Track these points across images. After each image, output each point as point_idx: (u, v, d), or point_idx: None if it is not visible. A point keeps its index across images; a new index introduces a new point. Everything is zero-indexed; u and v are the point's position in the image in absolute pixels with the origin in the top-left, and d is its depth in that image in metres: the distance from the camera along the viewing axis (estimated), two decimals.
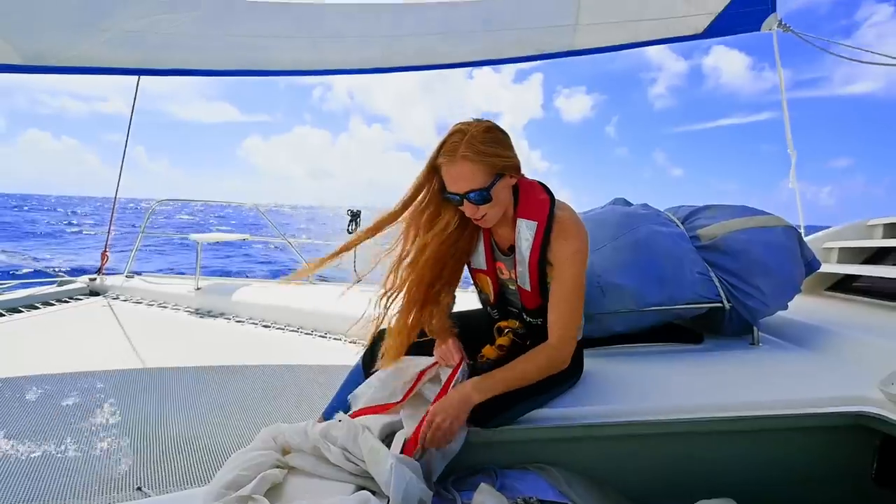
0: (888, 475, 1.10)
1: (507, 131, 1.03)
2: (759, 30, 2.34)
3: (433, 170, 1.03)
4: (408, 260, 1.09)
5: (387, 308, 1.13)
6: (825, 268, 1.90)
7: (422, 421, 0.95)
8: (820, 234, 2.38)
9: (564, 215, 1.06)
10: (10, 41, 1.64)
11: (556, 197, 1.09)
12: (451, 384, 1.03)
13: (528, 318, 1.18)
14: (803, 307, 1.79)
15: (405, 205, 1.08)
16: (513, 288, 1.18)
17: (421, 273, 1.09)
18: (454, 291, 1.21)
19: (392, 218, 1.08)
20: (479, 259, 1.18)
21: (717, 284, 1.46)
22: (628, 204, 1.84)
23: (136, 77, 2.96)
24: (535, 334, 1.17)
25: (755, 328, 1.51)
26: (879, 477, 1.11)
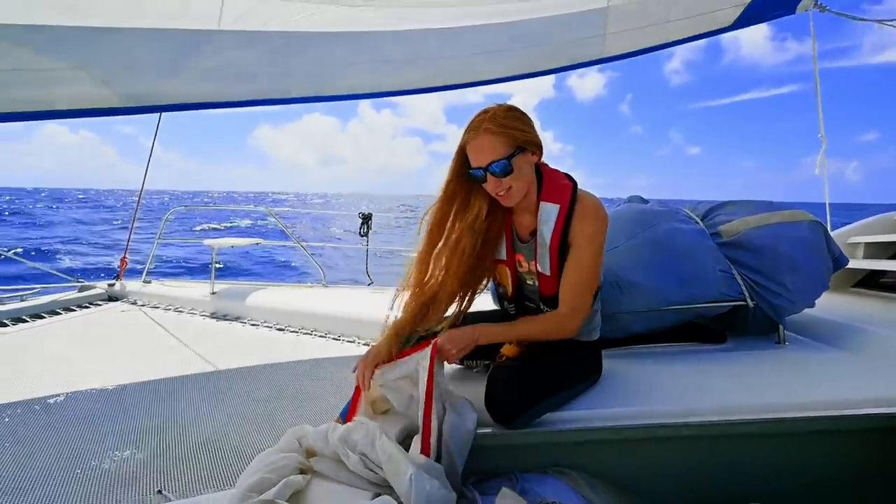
0: None
1: None
2: (794, 13, 2.27)
3: (461, 153, 1.06)
4: (449, 247, 1.11)
5: (420, 301, 1.13)
6: (852, 263, 1.84)
7: (427, 424, 0.92)
8: (845, 228, 2.31)
9: (586, 199, 1.08)
10: (112, 87, 1.77)
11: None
12: (432, 378, 0.98)
13: (545, 309, 1.16)
14: (830, 304, 1.73)
15: (446, 194, 1.10)
16: (530, 283, 1.17)
17: (459, 259, 1.10)
18: (487, 282, 1.22)
19: (443, 211, 1.11)
20: (501, 249, 1.18)
21: (741, 282, 1.42)
22: (644, 202, 1.81)
23: (158, 114, 3.08)
24: None
25: (781, 327, 1.47)
26: None
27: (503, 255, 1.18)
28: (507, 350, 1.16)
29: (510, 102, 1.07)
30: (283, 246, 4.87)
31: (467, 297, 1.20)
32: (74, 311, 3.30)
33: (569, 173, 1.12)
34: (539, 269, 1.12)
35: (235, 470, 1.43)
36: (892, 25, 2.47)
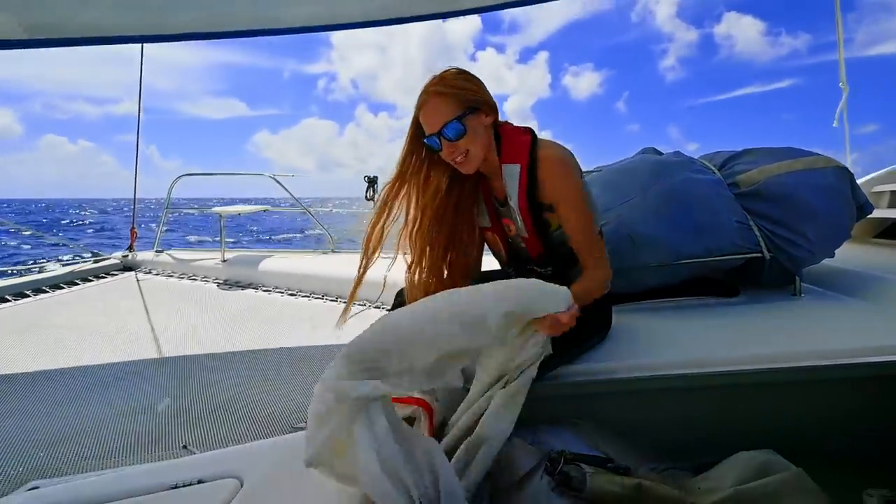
0: None
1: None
2: None
3: (416, 124, 1.02)
4: (416, 227, 1.08)
5: (412, 282, 1.13)
6: (874, 213, 1.77)
7: (431, 427, 0.90)
8: (868, 177, 2.21)
9: (547, 150, 1.02)
10: (12, 13, 1.58)
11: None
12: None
13: (539, 270, 1.15)
14: (849, 255, 1.68)
15: (401, 170, 1.06)
16: (522, 245, 1.15)
17: (430, 237, 1.08)
18: (475, 251, 1.18)
19: (392, 186, 1.07)
20: (484, 217, 1.16)
21: (758, 233, 1.38)
22: (659, 153, 1.73)
23: (140, 45, 2.88)
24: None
25: (797, 278, 1.43)
26: None
27: (487, 222, 1.15)
28: None
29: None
30: (290, 212, 4.86)
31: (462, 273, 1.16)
32: (92, 280, 3.38)
33: (529, 127, 1.05)
34: (520, 233, 1.09)
35: (253, 428, 1.48)
36: None
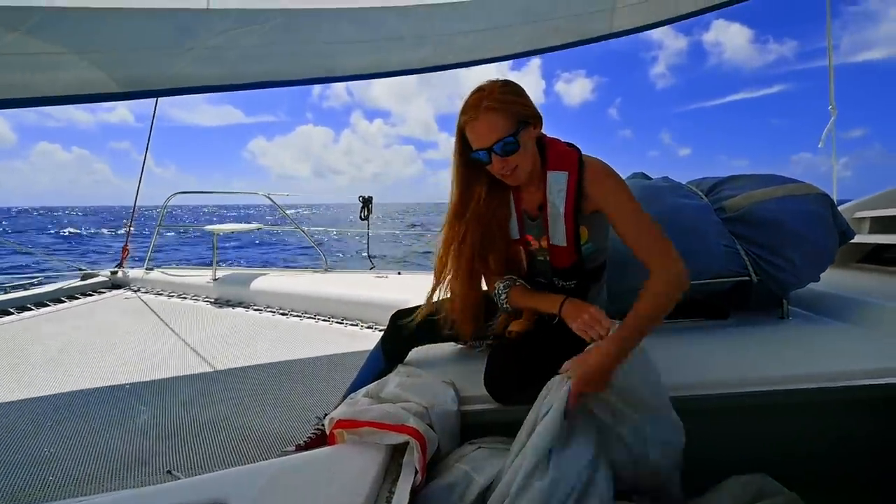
0: None
1: None
2: None
3: (461, 136, 1.01)
4: (460, 239, 1.09)
5: (441, 290, 1.14)
6: (856, 238, 1.82)
7: (423, 458, 0.89)
8: (850, 203, 2.28)
9: (593, 161, 1.04)
10: (107, 70, 1.71)
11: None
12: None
13: (560, 283, 1.14)
14: (833, 279, 1.72)
15: (463, 187, 1.07)
16: (541, 259, 1.15)
17: (471, 246, 1.09)
18: (507, 261, 1.19)
19: (462, 206, 1.08)
20: (513, 229, 1.15)
21: (745, 257, 1.41)
22: (647, 178, 1.78)
23: (154, 99, 2.99)
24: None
25: (784, 301, 1.46)
26: None
27: (516, 234, 1.15)
28: (515, 325, 1.16)
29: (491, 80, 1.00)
30: (283, 231, 4.85)
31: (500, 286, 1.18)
32: (79, 298, 3.32)
33: (570, 142, 1.08)
34: (551, 242, 1.09)
35: (241, 451, 1.45)
36: None
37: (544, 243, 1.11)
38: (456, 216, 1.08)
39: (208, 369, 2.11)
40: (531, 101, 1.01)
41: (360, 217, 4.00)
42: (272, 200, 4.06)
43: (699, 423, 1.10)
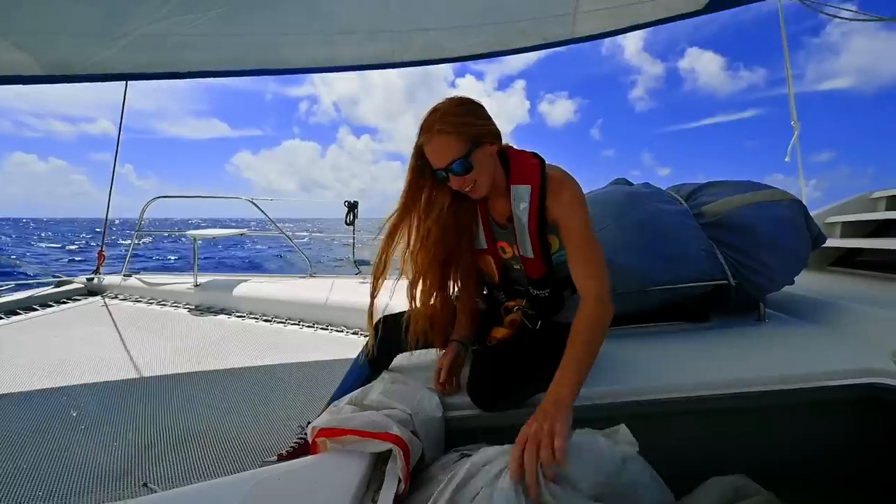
0: None
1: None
2: (763, 0, 2.29)
3: (419, 153, 1.03)
4: (419, 246, 1.09)
5: (413, 298, 1.15)
6: (829, 242, 1.88)
7: (407, 467, 0.86)
8: (822, 209, 2.36)
9: (555, 173, 1.06)
10: (30, 52, 1.64)
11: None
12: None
13: (535, 292, 1.16)
14: (808, 283, 1.77)
15: (405, 202, 1.08)
16: (517, 267, 1.17)
17: (431, 255, 1.09)
18: (474, 272, 1.21)
19: (399, 217, 1.09)
20: (480, 239, 1.17)
21: (723, 261, 1.44)
22: (630, 184, 1.81)
23: (124, 83, 2.91)
24: (542, 308, 1.17)
25: (761, 304, 1.50)
26: (894, 448, 1.10)
27: (483, 244, 1.17)
28: (496, 332, 1.16)
29: (466, 96, 1.03)
30: (268, 237, 4.78)
31: (461, 296, 1.20)
32: (52, 306, 3.21)
33: (535, 152, 1.10)
34: (521, 252, 1.11)
35: (221, 462, 1.41)
36: (861, 19, 2.51)
37: (517, 251, 1.13)
38: (397, 227, 1.09)
39: (187, 378, 2.05)
40: (487, 119, 1.02)
41: (346, 222, 3.98)
42: (256, 205, 4.00)
43: (682, 425, 1.12)
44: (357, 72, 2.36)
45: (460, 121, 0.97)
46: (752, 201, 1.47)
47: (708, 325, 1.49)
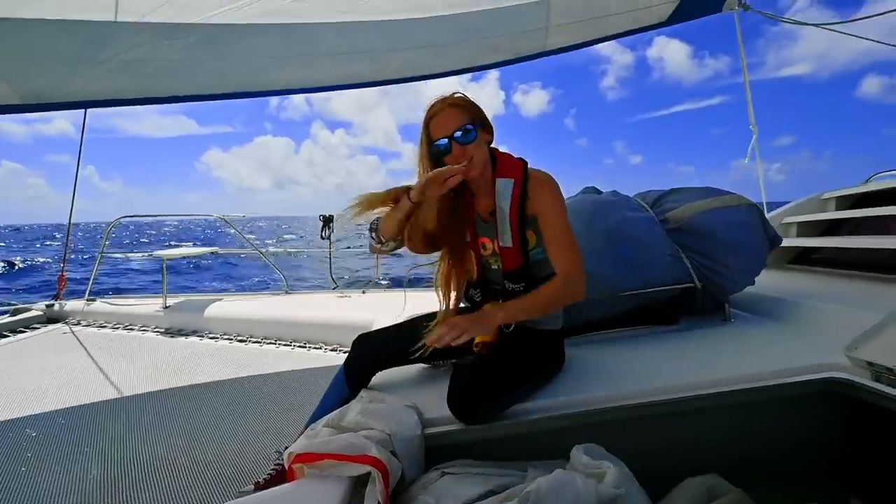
0: (857, 438, 1.15)
1: None
2: (720, 11, 2.44)
3: (427, 136, 1.12)
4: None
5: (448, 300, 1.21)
6: (786, 242, 1.98)
7: (386, 490, 0.87)
8: (779, 210, 2.48)
9: (537, 172, 1.17)
10: (8, 81, 1.60)
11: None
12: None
13: (510, 286, 1.19)
14: (769, 281, 1.86)
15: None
16: (495, 267, 1.21)
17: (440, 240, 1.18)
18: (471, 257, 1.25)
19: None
20: (466, 233, 1.22)
21: (689, 265, 1.50)
22: (598, 192, 1.87)
23: (83, 111, 2.83)
24: None
25: (726, 305, 1.56)
26: (849, 440, 1.16)
27: (466, 238, 1.22)
28: (481, 338, 1.17)
29: None
30: (241, 254, 4.66)
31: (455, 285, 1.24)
32: (7, 336, 3.03)
33: (520, 157, 1.20)
34: (500, 243, 1.17)
35: (195, 492, 1.36)
36: (811, 25, 2.69)
37: (496, 245, 1.18)
38: (429, 230, 1.16)
39: (156, 405, 1.97)
40: (486, 115, 1.17)
41: (321, 236, 3.92)
42: (227, 222, 3.91)
43: (656, 428, 1.15)
44: (339, 90, 2.41)
45: (469, 102, 1.13)
46: (712, 207, 1.54)
47: (676, 328, 1.55)
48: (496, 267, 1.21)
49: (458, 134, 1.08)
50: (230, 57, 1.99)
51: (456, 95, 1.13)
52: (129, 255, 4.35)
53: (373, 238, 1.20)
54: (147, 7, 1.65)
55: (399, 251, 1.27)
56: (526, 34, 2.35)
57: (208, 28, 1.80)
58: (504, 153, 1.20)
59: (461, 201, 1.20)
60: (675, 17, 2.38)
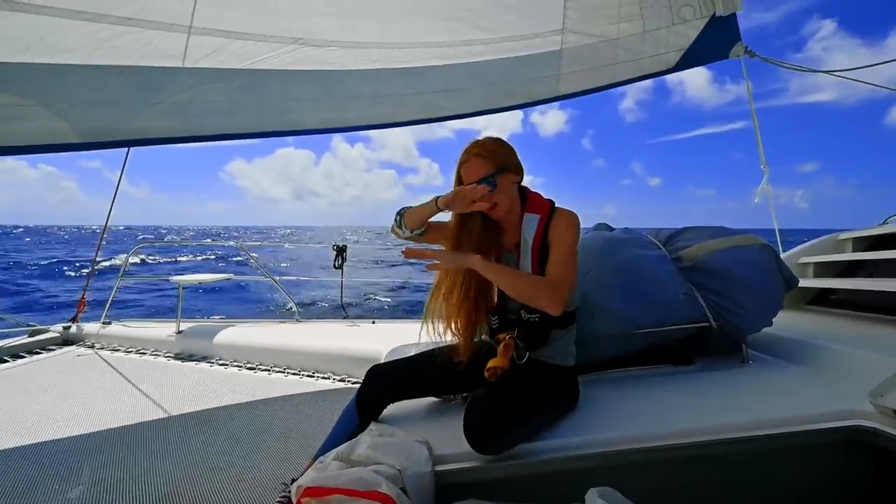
0: (890, 489, 1.09)
1: None
2: (727, 58, 2.52)
3: (458, 176, 1.23)
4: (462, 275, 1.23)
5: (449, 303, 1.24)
6: (803, 282, 1.96)
7: None
8: (795, 250, 2.46)
9: (563, 210, 1.23)
10: (70, 121, 1.76)
11: None
12: None
13: (527, 316, 1.20)
14: (787, 322, 1.82)
15: (459, 227, 1.23)
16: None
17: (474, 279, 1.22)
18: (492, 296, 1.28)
19: (455, 240, 1.23)
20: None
21: (703, 304, 1.49)
22: (610, 229, 1.89)
23: (126, 149, 3.03)
24: (530, 337, 1.21)
25: (744, 346, 1.53)
26: (882, 491, 1.10)
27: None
28: (494, 363, 1.18)
29: (488, 135, 1.26)
30: (256, 281, 4.73)
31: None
32: (24, 357, 3.08)
33: (549, 198, 1.27)
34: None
35: None
36: (810, 71, 2.77)
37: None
38: (454, 246, 1.23)
39: (163, 432, 1.96)
40: (514, 155, 1.24)
41: (335, 266, 3.98)
42: (245, 251, 4.00)
43: (670, 473, 1.11)
44: (364, 130, 2.57)
45: (493, 149, 1.21)
46: (724, 246, 1.54)
47: (693, 368, 1.51)
48: None
49: (480, 182, 1.16)
50: (268, 98, 2.16)
51: (485, 143, 1.22)
52: (148, 278, 4.44)
53: (396, 222, 1.26)
54: (202, 53, 1.85)
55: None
56: (538, 80, 2.50)
57: (251, 72, 1.98)
58: (535, 193, 1.27)
59: (491, 232, 1.26)
60: (682, 65, 2.48)
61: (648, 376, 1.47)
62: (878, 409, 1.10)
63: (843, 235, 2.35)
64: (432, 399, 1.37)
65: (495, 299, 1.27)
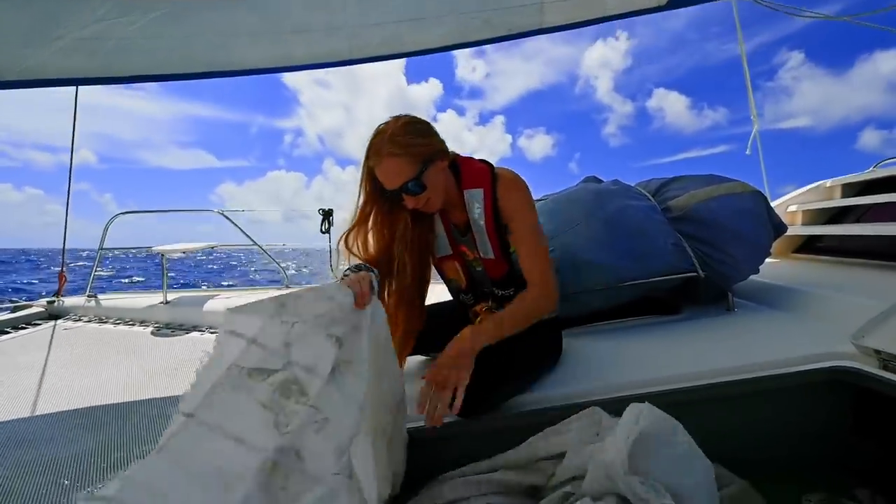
0: (864, 427, 1.12)
1: None
2: None
3: (370, 175, 1.03)
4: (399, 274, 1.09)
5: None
6: (791, 230, 1.95)
7: None
8: (784, 198, 2.44)
9: (504, 174, 1.09)
10: None
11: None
12: None
13: (499, 292, 1.17)
14: (773, 270, 1.83)
15: (361, 218, 1.07)
16: (479, 269, 1.18)
17: (411, 276, 1.09)
18: (426, 288, 1.18)
19: (355, 233, 1.08)
20: (444, 245, 1.18)
21: (691, 254, 1.47)
22: (599, 181, 1.83)
23: (75, 87, 2.77)
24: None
25: (729, 294, 1.53)
26: (856, 430, 1.13)
27: (448, 250, 1.18)
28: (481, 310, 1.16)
29: (411, 115, 1.02)
30: (243, 248, 4.65)
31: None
32: (9, 332, 3.03)
33: (483, 159, 1.12)
34: (482, 255, 1.13)
35: None
36: (815, 17, 2.63)
37: (479, 254, 1.14)
38: (388, 248, 1.08)
39: (158, 401, 1.96)
40: (435, 137, 1.03)
41: (321, 230, 3.90)
42: (227, 217, 3.89)
43: None
44: (312, 69, 2.24)
45: (409, 141, 0.97)
46: (715, 194, 1.51)
47: (679, 317, 1.52)
48: (480, 269, 1.18)
49: (405, 189, 0.99)
50: (195, 34, 1.88)
51: (396, 137, 0.96)
52: (129, 249, 4.35)
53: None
54: None
55: None
56: (521, 9, 2.20)
57: (170, 4, 1.71)
58: (467, 159, 1.11)
59: (425, 222, 1.12)
60: (674, 3, 2.32)
61: (633, 327, 1.47)
62: (859, 350, 1.11)
63: (831, 182, 2.32)
64: (420, 358, 1.36)
65: (463, 278, 1.19)
